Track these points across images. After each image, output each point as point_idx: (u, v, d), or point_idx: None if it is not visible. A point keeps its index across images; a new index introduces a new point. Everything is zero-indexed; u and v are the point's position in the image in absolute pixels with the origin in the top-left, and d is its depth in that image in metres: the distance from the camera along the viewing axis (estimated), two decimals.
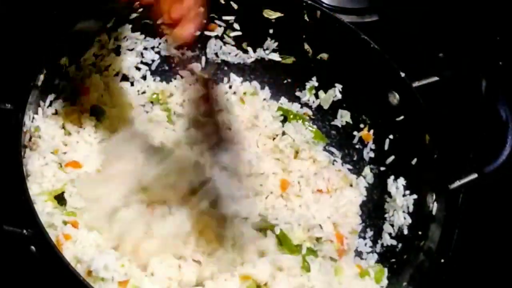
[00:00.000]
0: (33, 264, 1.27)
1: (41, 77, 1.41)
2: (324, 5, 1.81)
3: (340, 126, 1.75)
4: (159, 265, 1.38)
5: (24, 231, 1.23)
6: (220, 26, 1.69)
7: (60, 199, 1.44)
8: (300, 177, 1.66)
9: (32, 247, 1.25)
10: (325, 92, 1.75)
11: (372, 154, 1.69)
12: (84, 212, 1.42)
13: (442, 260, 1.37)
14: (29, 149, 1.44)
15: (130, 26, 1.62)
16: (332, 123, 1.76)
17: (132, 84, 1.71)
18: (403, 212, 1.58)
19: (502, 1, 1.72)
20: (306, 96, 1.76)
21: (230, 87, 1.78)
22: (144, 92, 1.70)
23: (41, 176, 1.43)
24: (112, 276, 1.32)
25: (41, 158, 1.45)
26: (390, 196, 1.62)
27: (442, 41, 1.22)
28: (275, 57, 1.74)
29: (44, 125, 1.48)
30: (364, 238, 1.65)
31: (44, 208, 1.40)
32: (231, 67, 1.77)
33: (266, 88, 1.78)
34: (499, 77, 1.49)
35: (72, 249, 1.35)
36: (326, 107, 1.76)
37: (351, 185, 1.70)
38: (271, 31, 1.70)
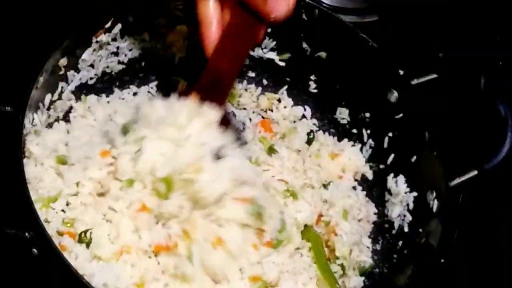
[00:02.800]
0: (35, 266, 1.27)
1: (41, 79, 1.40)
2: (324, 5, 1.81)
3: (339, 123, 1.75)
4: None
5: (26, 233, 1.22)
6: None
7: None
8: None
9: (34, 250, 1.24)
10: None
11: (371, 152, 1.69)
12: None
13: (442, 260, 1.38)
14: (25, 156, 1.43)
15: (128, 27, 1.61)
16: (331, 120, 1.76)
17: None
18: (404, 209, 1.58)
19: (502, 1, 1.72)
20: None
21: None
22: None
23: (39, 181, 1.41)
24: None
25: (38, 164, 1.43)
26: (390, 194, 1.62)
27: (442, 41, 1.22)
28: (273, 56, 1.74)
29: (44, 129, 1.48)
30: None
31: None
32: None
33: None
34: (498, 74, 1.49)
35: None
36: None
37: None
38: (269, 30, 1.69)
